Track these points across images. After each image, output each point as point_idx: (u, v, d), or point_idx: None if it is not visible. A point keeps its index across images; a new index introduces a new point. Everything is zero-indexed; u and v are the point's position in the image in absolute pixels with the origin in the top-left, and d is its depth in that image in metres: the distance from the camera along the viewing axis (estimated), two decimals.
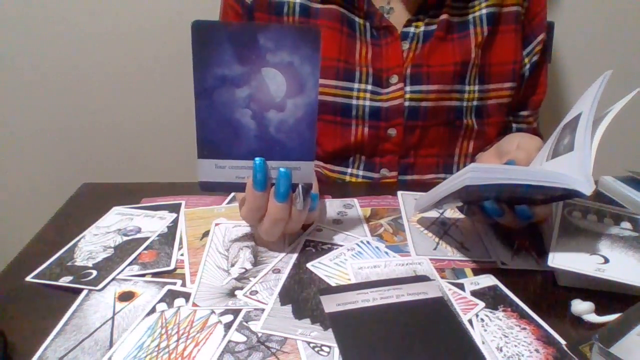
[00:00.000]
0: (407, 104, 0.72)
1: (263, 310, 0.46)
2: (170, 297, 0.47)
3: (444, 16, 0.71)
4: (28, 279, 0.50)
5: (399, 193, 0.68)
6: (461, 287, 0.49)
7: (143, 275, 0.51)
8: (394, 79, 0.72)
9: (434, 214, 0.63)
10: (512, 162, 0.56)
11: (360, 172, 0.78)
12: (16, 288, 0.49)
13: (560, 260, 0.47)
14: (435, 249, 0.56)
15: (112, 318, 0.45)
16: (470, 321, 0.45)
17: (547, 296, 0.49)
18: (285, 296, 0.48)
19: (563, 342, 0.42)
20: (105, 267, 0.52)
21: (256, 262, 0.53)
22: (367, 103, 0.73)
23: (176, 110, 1.18)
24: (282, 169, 0.49)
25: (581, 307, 0.45)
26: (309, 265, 0.52)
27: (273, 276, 0.51)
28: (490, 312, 0.46)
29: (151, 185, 0.71)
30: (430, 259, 0.54)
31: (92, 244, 0.56)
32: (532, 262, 0.54)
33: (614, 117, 0.48)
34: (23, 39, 1.11)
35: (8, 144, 1.21)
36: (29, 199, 1.26)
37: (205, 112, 0.48)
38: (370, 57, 0.72)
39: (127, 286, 0.49)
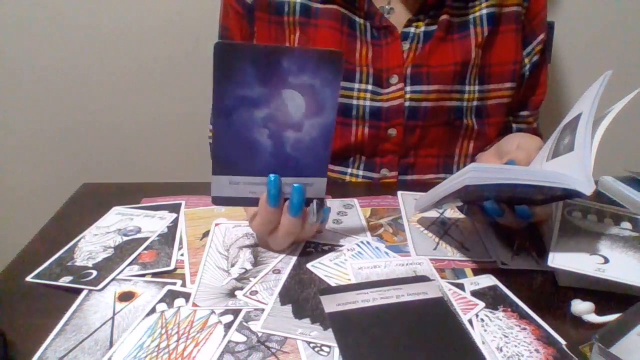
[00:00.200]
0: (407, 104, 0.72)
1: (263, 310, 0.46)
2: (170, 297, 0.47)
3: (444, 16, 0.71)
4: (28, 279, 0.50)
5: (399, 193, 0.68)
6: (461, 287, 0.49)
7: (143, 276, 0.51)
8: (394, 79, 0.72)
9: (434, 214, 0.63)
10: (512, 162, 0.56)
11: (360, 172, 0.78)
12: (16, 288, 0.50)
13: (560, 260, 0.47)
14: (435, 249, 0.56)
15: (112, 318, 0.45)
16: (470, 321, 0.45)
17: (547, 296, 0.49)
18: (285, 296, 0.48)
19: (563, 342, 0.42)
20: (105, 267, 0.52)
21: (256, 263, 0.53)
22: (368, 103, 0.73)
23: (176, 110, 1.18)
24: (295, 185, 0.49)
25: (581, 307, 0.45)
26: (309, 265, 0.52)
27: (273, 276, 0.51)
28: (490, 312, 0.46)
29: (151, 185, 0.71)
30: (430, 259, 0.54)
31: (92, 244, 0.56)
32: (532, 262, 0.54)
33: (614, 117, 0.48)
34: (23, 39, 1.11)
35: (8, 144, 1.22)
36: (29, 199, 1.26)
37: (223, 130, 0.48)
38: (370, 57, 0.72)
39: (127, 286, 0.49)
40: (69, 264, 0.53)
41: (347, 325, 0.43)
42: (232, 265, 0.52)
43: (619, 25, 1.11)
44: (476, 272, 0.52)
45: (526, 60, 0.76)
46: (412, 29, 0.72)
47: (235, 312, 0.45)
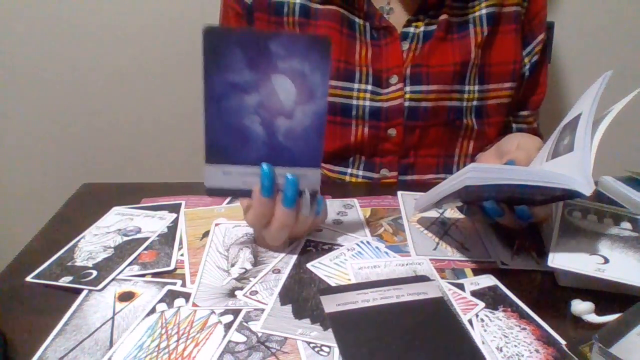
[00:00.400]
0: (407, 104, 0.72)
1: (263, 310, 0.46)
2: (170, 297, 0.47)
3: (443, 16, 0.71)
4: (28, 279, 0.50)
5: (399, 193, 0.68)
6: (461, 287, 0.49)
7: (143, 276, 0.51)
8: (394, 79, 0.72)
9: (434, 214, 0.63)
10: (512, 162, 0.56)
11: (360, 172, 0.78)
12: (16, 288, 0.50)
13: (560, 260, 0.47)
14: (435, 249, 0.56)
15: (112, 318, 0.45)
16: (470, 321, 0.45)
17: (547, 296, 0.49)
18: (285, 296, 0.48)
19: (563, 342, 0.42)
20: (105, 267, 0.52)
21: (256, 262, 0.53)
22: (367, 103, 0.73)
23: (176, 110, 1.18)
24: (289, 176, 0.49)
25: (581, 307, 0.45)
26: (309, 265, 0.52)
27: (273, 276, 0.51)
28: (490, 312, 0.46)
29: (151, 185, 0.71)
30: (430, 259, 0.54)
31: (92, 244, 0.56)
32: (532, 262, 0.54)
33: (614, 117, 0.48)
34: (23, 39, 1.11)
35: (8, 144, 1.22)
36: (29, 199, 1.26)
37: (214, 117, 0.48)
38: (370, 57, 0.72)
39: (127, 286, 0.49)
40: (69, 264, 0.53)
41: (347, 325, 0.43)
42: (232, 265, 0.52)
43: (619, 25, 1.11)
44: (476, 272, 0.52)
45: (526, 60, 0.76)
46: (411, 29, 0.72)
47: (235, 312, 0.45)
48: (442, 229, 0.60)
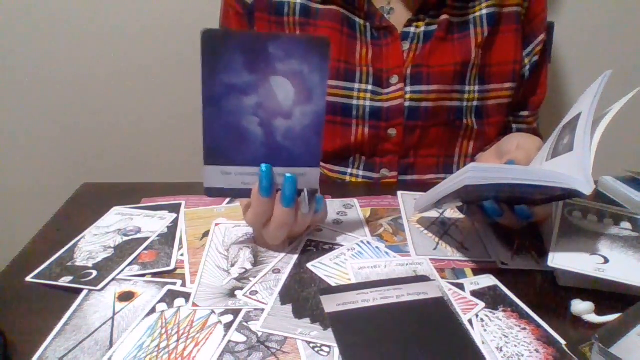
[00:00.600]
0: (407, 104, 0.72)
1: (263, 310, 0.46)
2: (170, 297, 0.47)
3: (444, 16, 0.71)
4: (28, 279, 0.50)
5: (399, 193, 0.68)
6: (461, 287, 0.49)
7: (143, 276, 0.51)
8: (394, 79, 0.72)
9: (434, 214, 0.63)
10: (512, 162, 0.56)
11: (360, 172, 0.78)
12: (16, 288, 0.50)
13: (560, 260, 0.47)
14: (435, 249, 0.56)
15: (112, 318, 0.45)
16: (470, 321, 0.45)
17: (547, 296, 0.49)
18: (286, 296, 0.48)
19: (563, 342, 0.42)
20: (105, 267, 0.52)
21: (256, 262, 0.53)
22: (368, 103, 0.73)
23: (176, 110, 1.18)
24: (288, 175, 0.49)
25: (581, 307, 0.45)
26: (309, 265, 0.52)
27: (273, 276, 0.51)
28: (490, 312, 0.46)
29: (151, 185, 0.71)
30: (430, 259, 0.54)
31: (92, 244, 0.56)
32: (532, 262, 0.54)
33: (614, 117, 0.48)
34: (23, 38, 1.11)
35: (8, 144, 1.22)
36: (29, 199, 1.26)
37: (212, 119, 0.47)
38: (370, 57, 0.72)
39: (127, 286, 0.49)
40: (69, 264, 0.53)
41: (347, 325, 0.43)
42: (232, 265, 0.52)
43: (619, 25, 1.11)
44: (476, 272, 0.52)
45: (526, 61, 0.76)
46: (412, 29, 0.72)
47: (235, 312, 0.45)
48: (442, 229, 0.60)
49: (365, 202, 0.66)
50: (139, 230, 0.59)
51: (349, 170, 0.78)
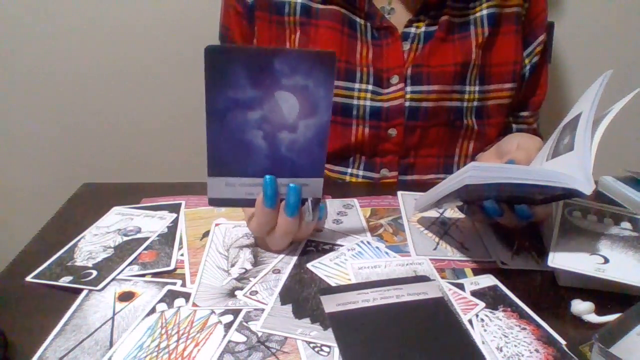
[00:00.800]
0: (407, 104, 0.72)
1: (263, 310, 0.46)
2: (170, 297, 0.47)
3: (444, 17, 0.71)
4: (28, 279, 0.50)
5: (399, 193, 0.68)
6: (461, 287, 0.49)
7: (143, 275, 0.51)
8: (395, 79, 0.72)
9: (434, 214, 0.63)
10: (512, 162, 0.56)
11: (361, 172, 0.78)
12: (16, 288, 0.49)
13: (560, 260, 0.47)
14: (435, 249, 0.56)
15: (112, 318, 0.45)
16: (470, 321, 0.45)
17: (547, 296, 0.49)
18: (286, 296, 0.48)
19: (563, 342, 0.42)
20: (105, 267, 0.52)
21: (256, 262, 0.53)
22: (368, 103, 0.73)
23: (176, 110, 1.18)
24: (291, 185, 0.49)
25: (581, 307, 0.45)
26: (309, 265, 0.52)
27: (273, 276, 0.51)
28: (490, 312, 0.46)
29: (151, 185, 0.71)
30: (430, 259, 0.54)
31: (92, 244, 0.56)
32: (532, 262, 0.54)
33: (614, 117, 0.48)
34: (23, 38, 1.11)
35: (8, 144, 1.21)
36: (29, 199, 1.25)
37: (216, 132, 0.47)
38: (371, 57, 0.72)
39: (127, 286, 0.49)
40: (69, 264, 0.53)
41: (347, 325, 0.43)
42: (232, 265, 0.52)
43: (619, 25, 1.11)
44: (476, 272, 0.52)
45: (526, 61, 0.76)
46: (412, 29, 0.72)
47: (235, 312, 0.45)
48: (442, 229, 0.60)
49: (365, 202, 0.66)
50: (139, 230, 0.59)
51: (349, 170, 0.78)
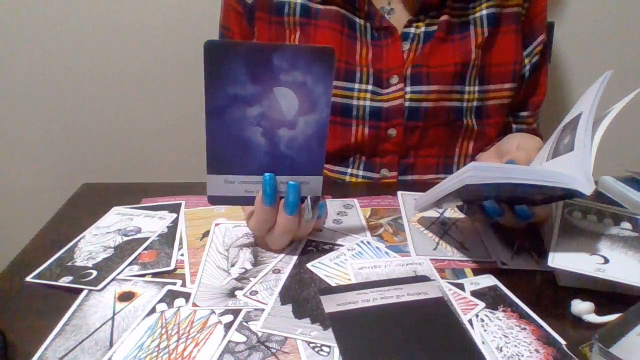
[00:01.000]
0: (407, 104, 0.72)
1: (263, 310, 0.46)
2: (170, 297, 0.47)
3: (444, 17, 0.71)
4: (28, 279, 0.50)
5: (399, 193, 0.68)
6: (461, 287, 0.49)
7: (143, 276, 0.51)
8: (394, 79, 0.72)
9: (434, 214, 0.63)
10: (512, 162, 0.56)
11: (360, 172, 0.78)
12: (16, 288, 0.50)
13: (560, 260, 0.47)
14: (435, 249, 0.56)
15: (112, 318, 0.45)
16: (470, 321, 0.45)
17: (547, 296, 0.49)
18: (286, 296, 0.48)
19: (563, 342, 0.42)
20: (105, 267, 0.52)
21: (256, 262, 0.53)
22: (368, 103, 0.73)
23: (176, 110, 1.18)
24: (291, 182, 0.49)
25: (581, 307, 0.45)
26: (309, 265, 0.52)
27: (273, 276, 0.51)
28: (490, 312, 0.46)
29: (151, 185, 0.71)
30: (430, 259, 0.54)
31: (92, 244, 0.56)
32: (532, 262, 0.54)
33: (614, 117, 0.48)
34: (23, 38, 1.11)
35: (8, 144, 1.22)
36: (29, 199, 1.25)
37: (215, 129, 0.47)
38: (370, 57, 0.72)
39: (127, 286, 0.49)
40: (69, 264, 0.53)
41: (347, 325, 0.43)
42: (232, 265, 0.52)
43: (619, 25, 1.11)
44: (476, 272, 0.52)
45: (526, 61, 0.76)
46: (412, 30, 0.72)
47: (235, 312, 0.45)
48: (442, 229, 0.60)
49: (365, 202, 0.66)
50: (139, 230, 0.59)
51: (349, 170, 0.78)
